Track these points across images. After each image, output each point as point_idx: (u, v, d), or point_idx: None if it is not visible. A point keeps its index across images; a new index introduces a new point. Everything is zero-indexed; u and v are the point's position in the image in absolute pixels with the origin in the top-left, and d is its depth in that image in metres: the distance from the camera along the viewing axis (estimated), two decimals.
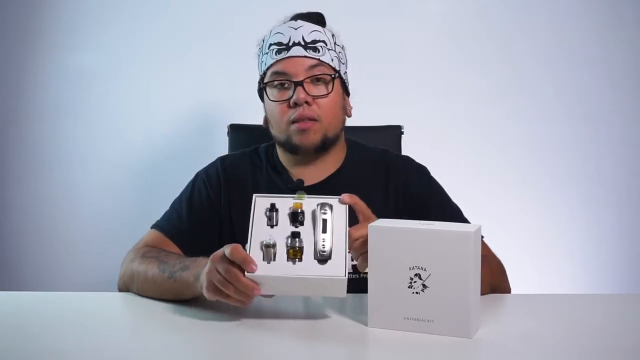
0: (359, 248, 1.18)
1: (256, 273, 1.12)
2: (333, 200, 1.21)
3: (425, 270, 1.09)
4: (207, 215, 1.51)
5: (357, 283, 1.23)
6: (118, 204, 2.41)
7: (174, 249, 1.46)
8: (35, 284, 2.37)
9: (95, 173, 2.41)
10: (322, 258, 1.15)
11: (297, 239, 1.16)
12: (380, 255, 1.12)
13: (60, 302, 1.34)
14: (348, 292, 1.15)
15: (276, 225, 1.19)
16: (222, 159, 1.59)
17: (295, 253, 1.15)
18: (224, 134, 1.88)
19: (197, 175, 1.57)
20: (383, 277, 1.12)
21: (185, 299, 1.27)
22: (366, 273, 1.15)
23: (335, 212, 1.19)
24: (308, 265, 1.15)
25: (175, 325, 1.18)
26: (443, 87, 2.40)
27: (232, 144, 1.86)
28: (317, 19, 1.51)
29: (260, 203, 1.21)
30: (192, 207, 1.51)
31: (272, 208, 1.20)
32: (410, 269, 1.10)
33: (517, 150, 2.42)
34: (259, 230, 1.18)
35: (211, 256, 1.16)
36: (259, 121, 1.66)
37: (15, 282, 2.38)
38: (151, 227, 1.51)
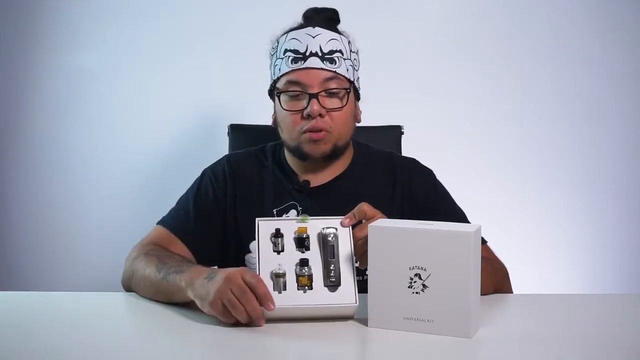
0: (361, 247, 1.18)
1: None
2: (336, 221, 1.21)
3: (425, 270, 1.09)
4: (214, 212, 1.50)
5: (359, 284, 1.23)
6: (118, 204, 2.40)
7: (180, 246, 1.45)
8: (35, 284, 2.36)
9: (95, 173, 2.41)
10: (332, 284, 1.16)
11: (305, 267, 1.17)
12: (380, 255, 1.12)
13: (60, 302, 1.34)
14: None
15: (282, 251, 1.19)
16: (228, 157, 1.59)
17: (305, 281, 1.16)
18: (224, 134, 1.88)
19: (204, 172, 1.56)
20: (383, 277, 1.12)
21: (175, 302, 1.26)
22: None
23: (340, 234, 1.20)
24: (319, 293, 1.16)
25: (176, 326, 1.17)
26: (443, 87, 2.40)
27: (232, 144, 1.86)
28: (331, 16, 1.50)
29: (264, 227, 1.21)
30: (199, 205, 1.50)
31: (277, 233, 1.20)
32: (410, 269, 1.10)
33: (517, 150, 2.42)
34: (266, 259, 1.18)
35: (226, 274, 1.13)
36: (259, 121, 1.66)
37: (15, 282, 2.37)
38: (157, 223, 1.50)
